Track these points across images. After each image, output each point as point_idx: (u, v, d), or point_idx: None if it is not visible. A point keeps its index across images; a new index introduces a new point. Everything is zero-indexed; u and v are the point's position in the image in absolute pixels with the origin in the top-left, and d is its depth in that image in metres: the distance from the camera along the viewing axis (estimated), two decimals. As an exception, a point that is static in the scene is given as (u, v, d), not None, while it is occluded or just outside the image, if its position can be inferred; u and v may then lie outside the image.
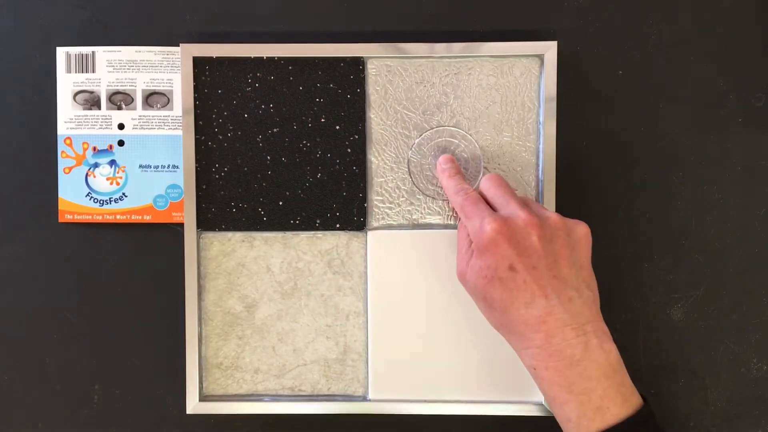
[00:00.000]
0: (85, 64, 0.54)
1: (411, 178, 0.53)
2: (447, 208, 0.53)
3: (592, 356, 0.43)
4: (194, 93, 0.53)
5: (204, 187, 0.53)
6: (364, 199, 0.53)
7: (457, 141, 0.52)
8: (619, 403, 0.44)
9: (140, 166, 0.54)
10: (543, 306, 0.43)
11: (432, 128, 0.53)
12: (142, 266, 0.55)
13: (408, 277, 0.53)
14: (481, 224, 0.45)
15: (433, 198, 0.53)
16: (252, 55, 0.53)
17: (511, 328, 0.45)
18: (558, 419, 0.45)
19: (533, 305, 0.44)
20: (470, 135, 0.52)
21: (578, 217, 0.54)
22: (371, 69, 0.53)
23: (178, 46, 0.53)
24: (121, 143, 0.54)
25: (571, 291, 0.44)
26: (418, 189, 0.53)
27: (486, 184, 0.49)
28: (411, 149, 0.53)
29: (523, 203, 0.46)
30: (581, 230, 0.46)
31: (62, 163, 0.54)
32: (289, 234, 0.54)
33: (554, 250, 0.44)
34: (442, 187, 0.52)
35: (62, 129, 0.54)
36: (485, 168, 0.53)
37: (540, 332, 0.44)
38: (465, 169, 0.53)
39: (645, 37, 0.54)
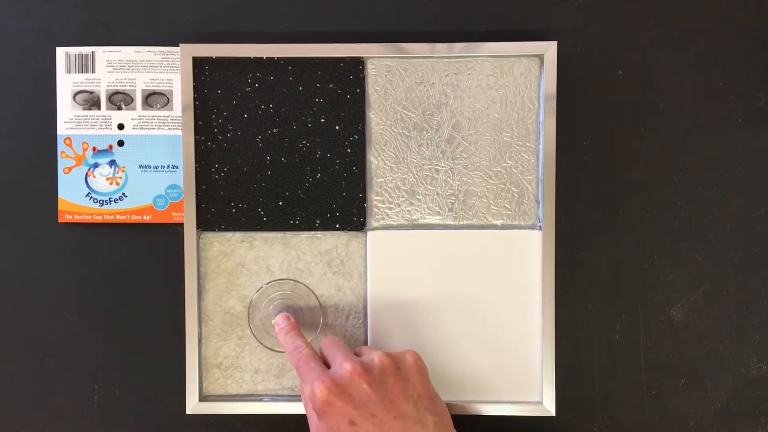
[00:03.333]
0: (85, 65, 0.54)
1: (252, 332, 0.53)
2: (446, 209, 0.53)
3: None
4: (194, 93, 0.53)
5: (204, 187, 0.53)
6: (364, 199, 0.53)
7: (294, 294, 0.53)
8: None
9: (140, 166, 0.54)
10: None
11: (270, 282, 0.53)
12: (141, 266, 0.55)
13: (408, 278, 0.53)
14: (312, 389, 0.45)
15: (271, 350, 0.53)
16: (252, 55, 0.53)
17: None
18: None
19: None
20: (308, 287, 0.53)
21: (578, 217, 0.54)
22: (371, 69, 0.53)
23: (178, 46, 0.53)
24: (120, 143, 0.54)
25: (415, 426, 0.44)
26: (262, 344, 0.53)
27: (322, 346, 0.49)
28: (250, 307, 0.53)
29: (350, 355, 0.47)
30: (409, 359, 0.47)
31: (62, 164, 0.54)
32: (288, 234, 0.54)
33: (387, 391, 0.45)
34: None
35: (62, 129, 0.54)
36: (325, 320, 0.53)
37: None
38: (302, 319, 0.53)
39: (645, 37, 0.54)
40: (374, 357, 0.46)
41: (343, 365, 0.45)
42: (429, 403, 0.46)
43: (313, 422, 0.46)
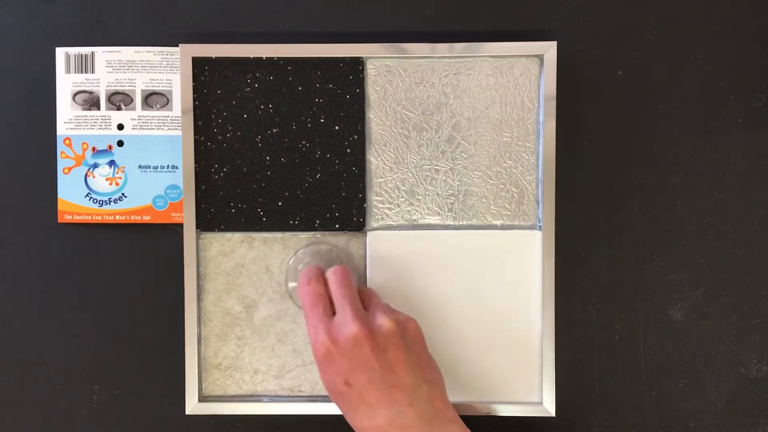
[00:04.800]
0: (85, 65, 0.54)
1: (290, 294, 0.53)
2: (446, 209, 0.53)
3: None
4: (193, 93, 0.53)
5: (203, 187, 0.53)
6: (364, 199, 0.53)
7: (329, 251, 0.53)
8: None
9: (139, 167, 0.54)
10: (384, 415, 0.44)
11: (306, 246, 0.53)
12: (141, 267, 0.55)
13: (407, 278, 0.53)
14: (315, 337, 0.45)
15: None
16: (251, 56, 0.53)
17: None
18: None
19: (374, 417, 0.44)
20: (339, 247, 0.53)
21: (578, 217, 0.54)
22: (371, 69, 0.53)
23: (178, 46, 0.53)
24: (120, 144, 0.54)
25: (411, 395, 0.44)
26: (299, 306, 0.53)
27: (330, 278, 0.48)
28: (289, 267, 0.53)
29: (357, 310, 0.46)
30: (412, 326, 0.47)
31: (61, 164, 0.54)
32: (288, 234, 0.54)
33: (389, 359, 0.44)
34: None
35: (61, 129, 0.54)
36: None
37: None
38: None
39: (645, 37, 0.54)
40: (380, 323, 0.45)
41: (350, 324, 0.44)
42: (426, 372, 0.46)
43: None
